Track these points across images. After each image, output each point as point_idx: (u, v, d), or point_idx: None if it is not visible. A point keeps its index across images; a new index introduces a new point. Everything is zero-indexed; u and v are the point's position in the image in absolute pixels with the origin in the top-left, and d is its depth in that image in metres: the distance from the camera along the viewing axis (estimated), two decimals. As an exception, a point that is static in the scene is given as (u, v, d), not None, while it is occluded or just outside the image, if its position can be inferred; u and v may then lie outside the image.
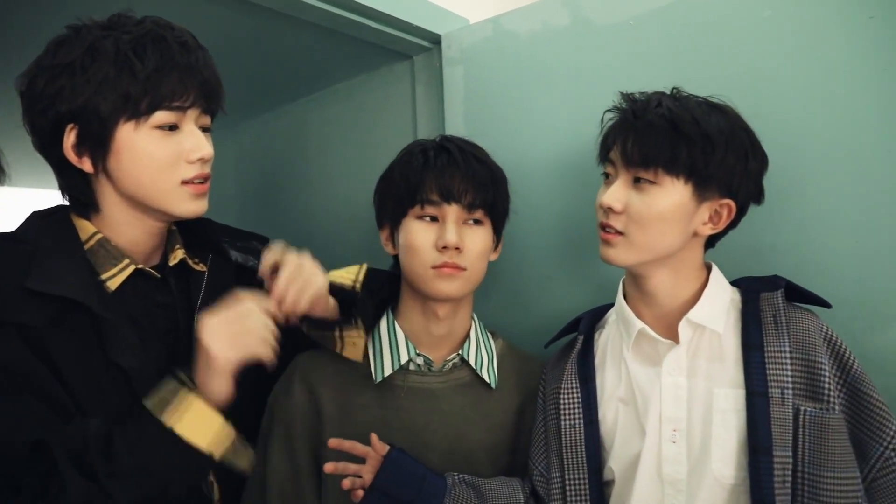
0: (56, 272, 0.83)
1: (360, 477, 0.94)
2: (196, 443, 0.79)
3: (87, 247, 0.89)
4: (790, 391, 0.85)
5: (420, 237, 1.03)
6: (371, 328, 1.07)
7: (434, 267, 1.02)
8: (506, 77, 1.34)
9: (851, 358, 0.87)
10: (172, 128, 0.87)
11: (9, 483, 0.70)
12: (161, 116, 0.85)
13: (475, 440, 1.07)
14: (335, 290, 1.02)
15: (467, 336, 1.13)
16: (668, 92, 0.94)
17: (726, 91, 0.96)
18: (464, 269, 1.03)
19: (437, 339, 1.10)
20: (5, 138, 0.77)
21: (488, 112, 1.37)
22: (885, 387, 0.88)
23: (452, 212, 1.02)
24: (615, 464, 0.97)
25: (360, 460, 0.97)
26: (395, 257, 1.12)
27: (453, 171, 1.02)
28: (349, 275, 1.06)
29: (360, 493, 0.94)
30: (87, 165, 0.86)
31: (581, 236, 1.21)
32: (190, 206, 0.90)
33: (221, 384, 0.83)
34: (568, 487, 0.98)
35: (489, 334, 1.18)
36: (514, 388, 1.13)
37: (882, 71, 0.96)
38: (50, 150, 0.87)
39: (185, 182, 0.89)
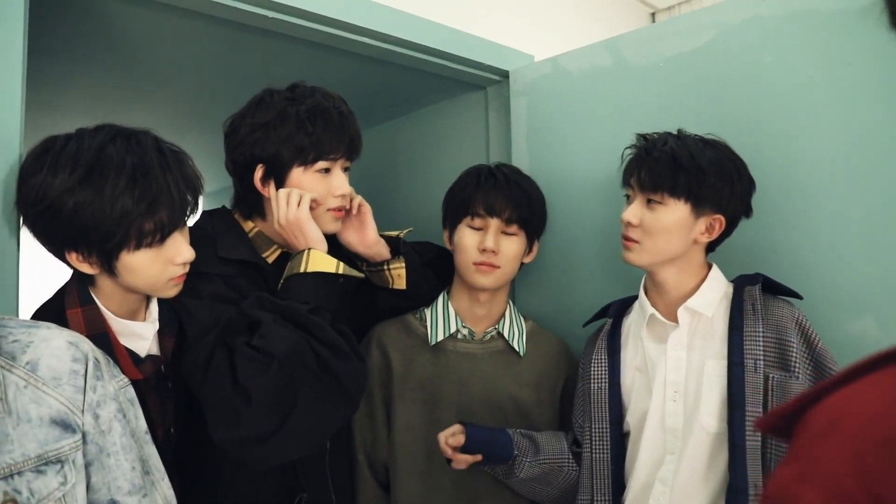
0: (233, 245, 1.22)
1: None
2: (326, 269, 1.15)
3: (249, 235, 1.28)
4: (761, 362, 1.11)
5: (467, 240, 1.37)
6: (413, 269, 1.40)
7: (475, 263, 1.35)
8: (560, 108, 1.63)
9: (816, 338, 1.12)
10: (326, 171, 1.23)
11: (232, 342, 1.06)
12: (320, 164, 1.21)
13: (506, 393, 1.40)
14: (386, 238, 1.40)
15: (503, 315, 1.45)
16: (675, 132, 1.21)
17: (733, 124, 1.22)
18: (498, 267, 1.36)
19: (479, 317, 1.44)
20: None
21: (546, 137, 1.66)
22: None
23: (494, 224, 1.36)
24: (631, 417, 1.25)
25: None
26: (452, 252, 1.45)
27: (497, 193, 1.36)
28: (396, 232, 1.44)
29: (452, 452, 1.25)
30: (266, 192, 1.23)
31: (614, 241, 1.47)
32: (330, 226, 1.27)
33: (313, 233, 1.18)
34: (594, 434, 1.27)
35: (521, 316, 1.50)
36: (539, 358, 1.45)
37: (853, 109, 1.18)
38: (241, 176, 1.26)
39: (329, 210, 1.25)
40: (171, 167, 0.96)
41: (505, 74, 1.76)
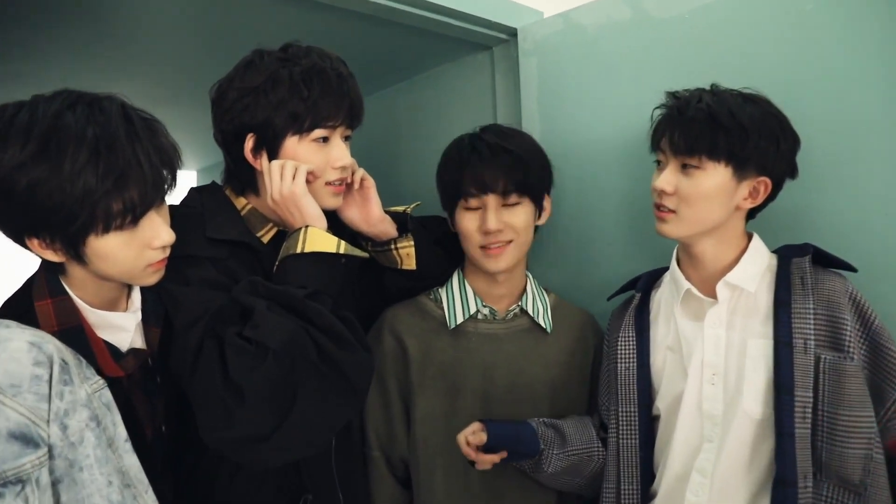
0: (223, 225, 1.10)
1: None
2: (325, 249, 1.03)
3: (242, 213, 1.16)
4: (812, 341, 1.00)
5: (467, 224, 1.24)
6: (422, 247, 1.28)
7: (481, 247, 1.23)
8: (575, 67, 1.50)
9: (873, 315, 1.00)
10: (325, 140, 1.10)
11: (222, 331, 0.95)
12: (318, 133, 1.09)
13: (534, 375, 1.29)
14: (391, 214, 1.27)
15: (524, 290, 1.33)
16: (708, 87, 1.08)
17: (772, 79, 1.09)
18: (510, 242, 1.23)
19: (499, 295, 1.32)
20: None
21: (559, 99, 1.53)
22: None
23: (491, 200, 1.21)
24: (661, 401, 1.15)
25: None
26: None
27: (483, 166, 1.21)
28: (403, 207, 1.31)
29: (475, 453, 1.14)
30: (258, 164, 1.11)
31: (638, 209, 1.37)
32: (330, 201, 1.15)
33: (310, 209, 1.06)
34: (621, 418, 1.17)
35: (543, 290, 1.38)
36: (566, 333, 1.34)
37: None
38: (230, 147, 1.13)
39: (328, 183, 1.13)
40: (141, 137, 0.83)
41: (513, 32, 1.62)
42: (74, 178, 0.78)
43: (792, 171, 1.07)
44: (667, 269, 1.23)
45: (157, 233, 0.89)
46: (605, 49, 1.44)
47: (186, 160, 3.44)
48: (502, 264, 1.24)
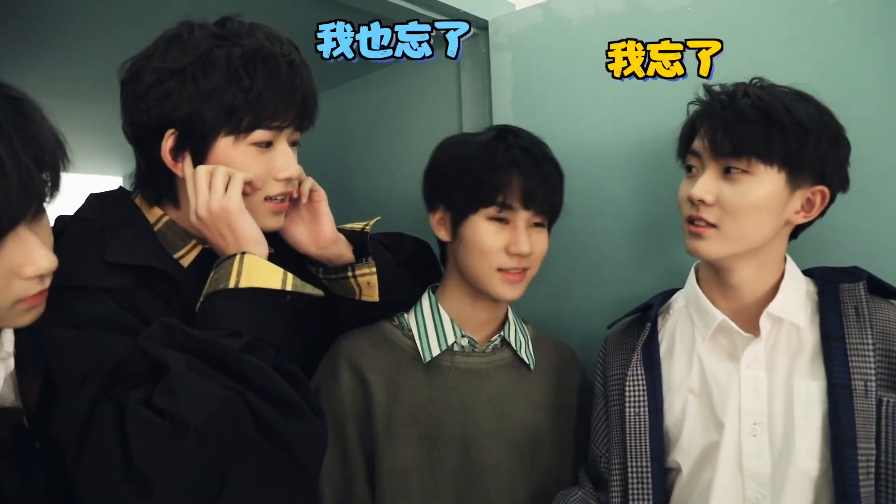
0: (130, 245, 0.86)
1: None
2: (267, 285, 0.80)
3: (156, 228, 0.90)
4: (873, 383, 0.84)
5: (491, 240, 1.02)
6: (385, 272, 1.06)
7: (501, 270, 1.02)
8: (557, 64, 1.32)
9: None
10: (267, 144, 0.88)
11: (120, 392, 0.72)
12: (259, 135, 0.86)
13: (519, 419, 1.10)
14: (347, 234, 1.05)
15: (506, 319, 1.14)
16: (750, 80, 0.93)
17: (788, 79, 0.95)
18: (526, 270, 1.04)
19: (481, 323, 1.12)
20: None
21: (538, 98, 1.35)
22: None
23: (524, 217, 1.02)
24: (682, 455, 0.97)
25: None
26: (445, 244, 1.12)
27: (536, 178, 1.01)
28: (361, 224, 1.09)
29: None
30: (179, 171, 0.86)
31: (636, 224, 1.22)
32: (270, 221, 0.92)
33: (247, 230, 0.83)
34: (630, 474, 0.98)
35: (521, 319, 1.20)
36: (547, 370, 1.16)
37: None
38: (143, 145, 0.88)
39: (268, 199, 0.90)
40: (2, 125, 0.59)
41: (482, 25, 1.44)
42: None
43: (846, 182, 0.92)
44: (675, 291, 1.06)
45: (29, 257, 0.64)
46: (595, 44, 1.25)
47: (112, 164, 2.97)
48: (517, 293, 1.05)
